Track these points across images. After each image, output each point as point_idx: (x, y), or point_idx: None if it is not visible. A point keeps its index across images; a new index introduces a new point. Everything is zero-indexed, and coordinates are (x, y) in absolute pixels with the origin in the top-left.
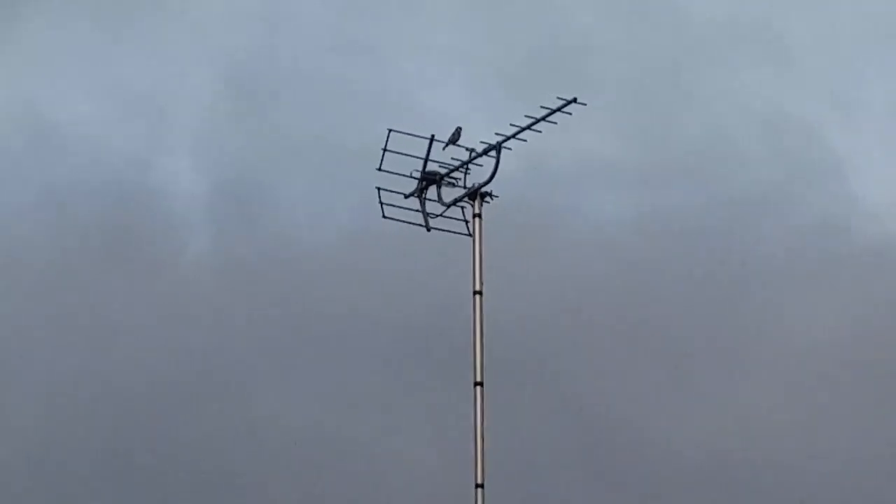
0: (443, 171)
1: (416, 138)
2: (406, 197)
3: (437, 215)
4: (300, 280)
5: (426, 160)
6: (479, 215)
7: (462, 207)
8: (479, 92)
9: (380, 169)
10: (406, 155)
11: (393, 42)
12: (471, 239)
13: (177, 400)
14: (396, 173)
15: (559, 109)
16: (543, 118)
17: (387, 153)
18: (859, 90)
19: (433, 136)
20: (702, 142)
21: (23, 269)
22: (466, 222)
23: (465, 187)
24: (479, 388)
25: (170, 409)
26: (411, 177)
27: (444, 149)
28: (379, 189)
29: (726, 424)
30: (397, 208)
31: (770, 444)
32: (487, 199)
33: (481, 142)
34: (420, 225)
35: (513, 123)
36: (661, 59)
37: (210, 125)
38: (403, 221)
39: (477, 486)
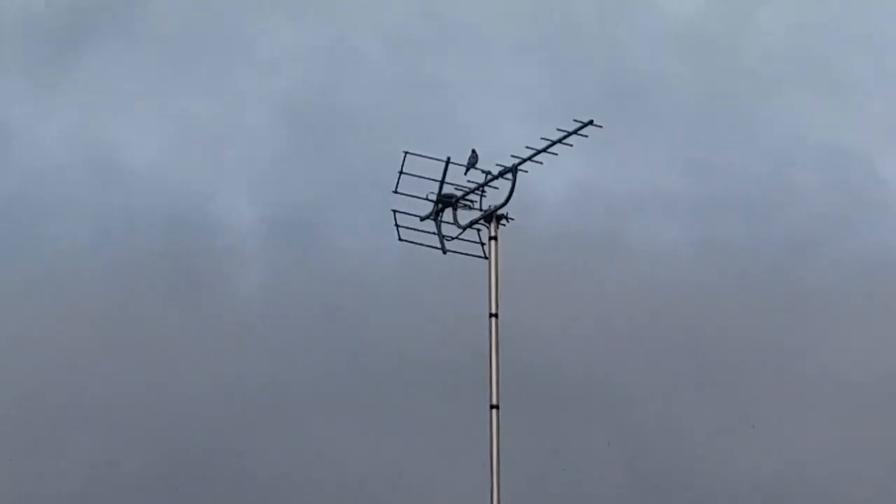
0: (459, 193)
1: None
2: (422, 220)
3: (453, 238)
4: (355, 312)
5: (442, 182)
6: (496, 238)
7: (478, 230)
8: (542, 128)
9: (395, 191)
10: (421, 177)
11: (454, 79)
12: (486, 261)
13: (230, 430)
14: (413, 196)
15: (575, 132)
16: (559, 140)
17: (403, 175)
18: None
19: (449, 158)
20: (759, 173)
21: (82, 300)
22: (482, 245)
23: (481, 210)
24: (494, 410)
25: (223, 439)
26: (427, 199)
27: (465, 174)
28: (395, 212)
29: (773, 452)
30: (413, 231)
31: (821, 472)
32: (503, 221)
33: (497, 164)
34: (436, 248)
35: (528, 146)
36: (720, 93)
37: (268, 160)
38: (419, 244)
39: None
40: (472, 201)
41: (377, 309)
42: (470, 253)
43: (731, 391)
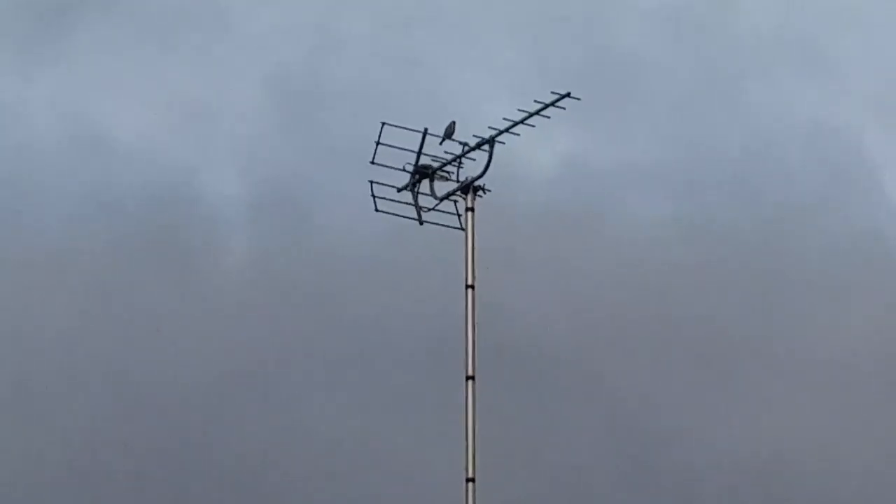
0: (435, 164)
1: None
2: (399, 190)
3: (430, 209)
4: (339, 285)
5: (419, 154)
6: (472, 209)
7: (455, 201)
8: (528, 105)
9: (373, 162)
10: (399, 148)
11: (440, 56)
12: (463, 233)
13: (217, 400)
14: (389, 167)
15: (553, 104)
16: (537, 112)
17: (380, 146)
18: None
19: (426, 129)
20: (744, 150)
21: (67, 274)
22: (459, 216)
23: (457, 181)
24: (470, 381)
25: (210, 409)
26: (404, 170)
27: (440, 143)
28: (371, 182)
29: (756, 430)
30: (390, 202)
31: (805, 451)
32: (480, 193)
33: (474, 136)
34: (413, 218)
35: (506, 118)
36: (706, 70)
37: (255, 135)
38: (396, 215)
39: (468, 480)
40: (449, 173)
41: (361, 281)
42: (447, 224)
43: (713, 369)
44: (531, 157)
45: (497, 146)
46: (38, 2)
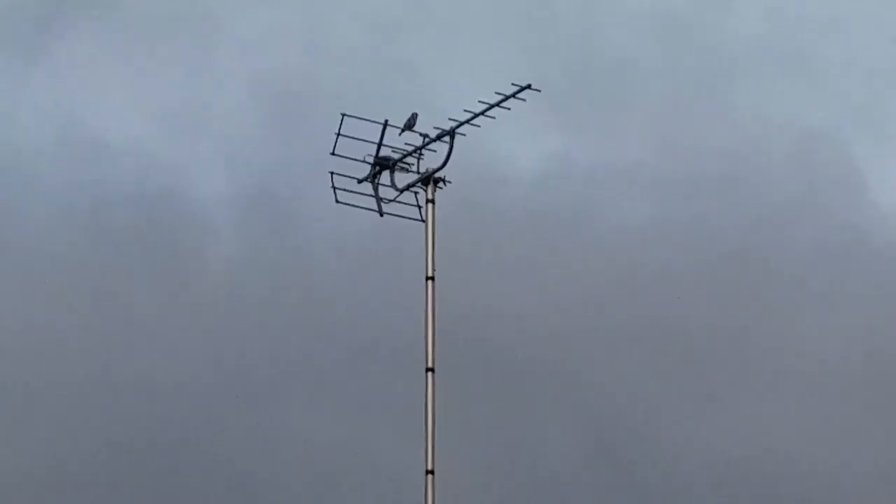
0: (396, 156)
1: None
2: (359, 182)
3: (391, 200)
4: (326, 287)
5: (380, 145)
6: (433, 201)
7: (415, 193)
8: (517, 109)
9: (333, 153)
10: (360, 140)
11: (429, 60)
12: (423, 224)
13: (200, 403)
14: (350, 158)
15: (513, 95)
16: (497, 104)
17: (341, 137)
18: (883, 104)
19: (387, 121)
20: (729, 152)
21: (59, 271)
22: (419, 208)
23: (418, 173)
24: (430, 373)
25: (194, 412)
26: (364, 161)
27: (400, 134)
28: (332, 174)
29: (736, 432)
30: (351, 193)
31: (785, 452)
32: (441, 184)
33: (435, 127)
34: (373, 210)
35: (466, 109)
36: (692, 73)
37: (243, 136)
38: (357, 206)
39: (427, 472)
40: (409, 164)
41: (338, 277)
42: (407, 216)
43: (693, 369)
44: (515, 155)
45: (478, 143)
46: (29, 5)
